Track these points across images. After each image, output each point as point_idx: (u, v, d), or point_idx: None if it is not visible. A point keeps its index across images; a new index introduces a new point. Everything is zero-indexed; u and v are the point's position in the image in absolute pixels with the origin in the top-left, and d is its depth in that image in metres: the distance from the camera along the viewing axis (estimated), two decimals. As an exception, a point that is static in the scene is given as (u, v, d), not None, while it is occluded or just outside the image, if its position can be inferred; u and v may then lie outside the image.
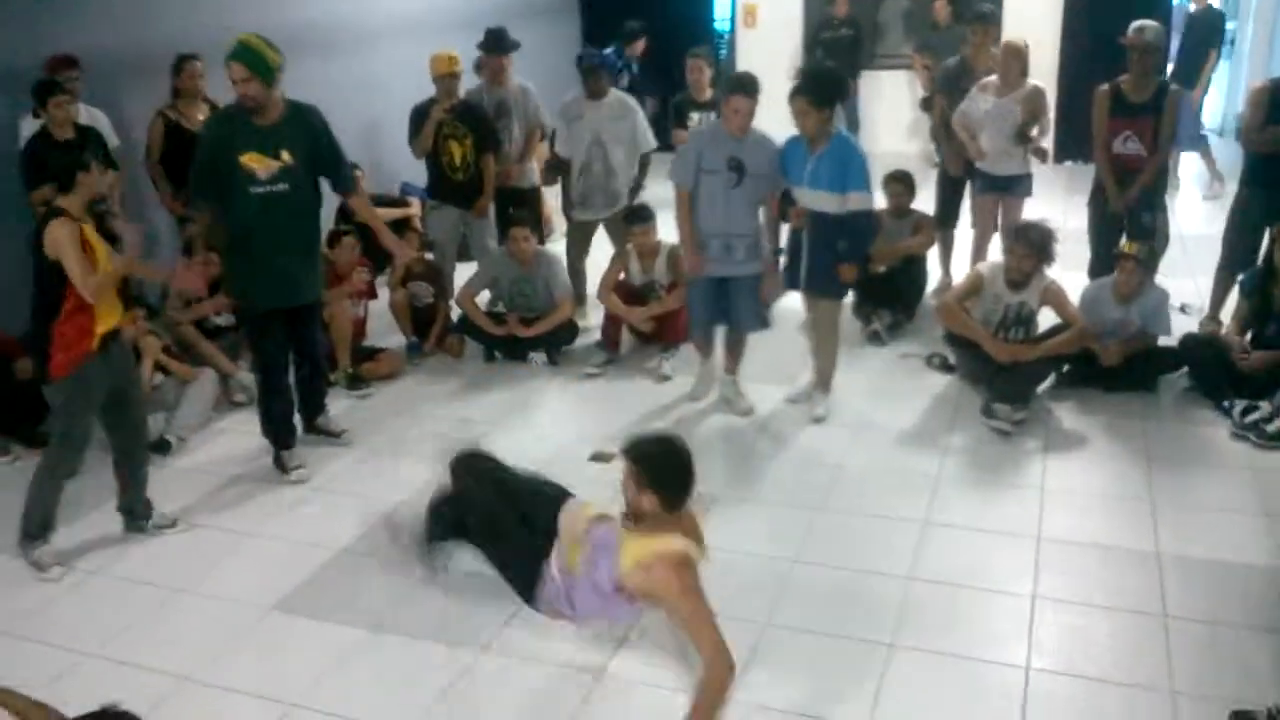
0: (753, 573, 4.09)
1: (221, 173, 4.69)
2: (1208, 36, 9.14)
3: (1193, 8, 9.44)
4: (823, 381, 5.48)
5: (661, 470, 3.12)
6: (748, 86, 5.12)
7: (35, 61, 5.97)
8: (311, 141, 4.84)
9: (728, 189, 5.17)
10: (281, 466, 5.07)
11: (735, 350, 5.62)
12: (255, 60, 4.60)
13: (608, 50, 8.77)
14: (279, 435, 5.10)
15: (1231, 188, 9.38)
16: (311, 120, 4.89)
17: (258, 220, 4.74)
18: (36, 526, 4.30)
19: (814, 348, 5.53)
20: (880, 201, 5.69)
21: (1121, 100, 5.98)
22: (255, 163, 4.67)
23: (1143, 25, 5.94)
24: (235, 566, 4.33)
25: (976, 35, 6.92)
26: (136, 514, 4.57)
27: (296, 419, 5.22)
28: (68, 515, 4.61)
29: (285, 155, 4.73)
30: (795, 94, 5.00)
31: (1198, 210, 9.07)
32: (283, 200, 4.76)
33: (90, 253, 4.02)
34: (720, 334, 5.68)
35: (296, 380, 5.35)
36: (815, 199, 5.10)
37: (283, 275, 4.84)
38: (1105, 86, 6.08)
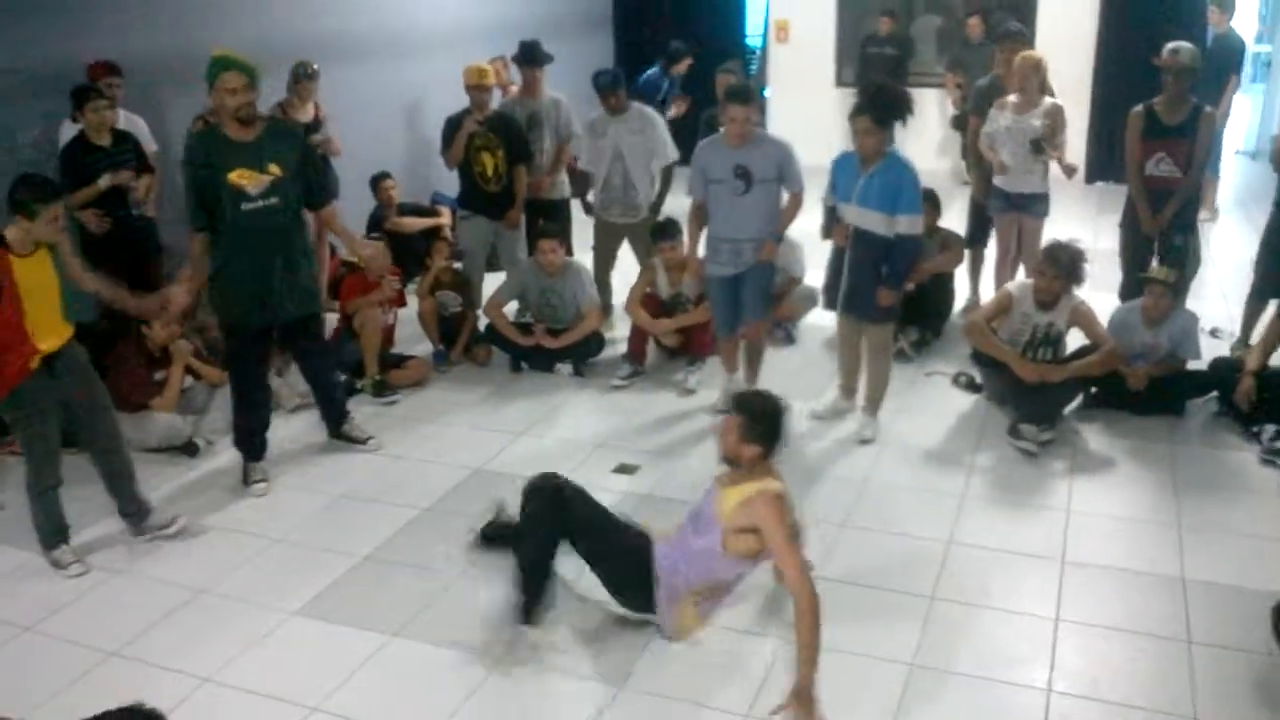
0: (772, 588, 4.08)
1: (211, 194, 4.63)
2: (1227, 61, 9.06)
3: (1214, 32, 9.33)
4: (872, 404, 5.44)
5: (767, 424, 3.59)
6: (740, 95, 5.16)
7: (78, 67, 6.07)
8: (296, 153, 4.82)
9: (736, 196, 5.20)
10: (245, 477, 5.06)
11: (753, 360, 5.66)
12: (250, 70, 4.62)
13: (651, 70, 8.87)
14: (249, 448, 5.09)
15: (1236, 212, 9.44)
16: (293, 132, 4.93)
17: (251, 237, 4.70)
18: (48, 535, 4.39)
19: (866, 370, 5.46)
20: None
21: (1155, 122, 5.95)
22: (245, 179, 4.62)
23: (1178, 47, 5.90)
24: (258, 570, 4.36)
25: (1005, 53, 6.92)
26: (131, 517, 4.56)
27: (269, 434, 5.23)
28: (92, 516, 4.68)
29: (273, 168, 4.68)
30: (858, 112, 4.93)
31: (1230, 233, 9.00)
32: (275, 214, 4.73)
33: (9, 282, 4.00)
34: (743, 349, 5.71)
35: (313, 395, 5.38)
36: (863, 218, 5.04)
37: (277, 291, 4.81)
38: (1139, 108, 6.05)
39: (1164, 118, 5.93)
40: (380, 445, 5.42)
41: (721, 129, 6.44)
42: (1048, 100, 6.40)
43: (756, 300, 5.52)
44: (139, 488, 4.60)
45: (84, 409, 4.37)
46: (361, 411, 5.71)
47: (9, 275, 4.03)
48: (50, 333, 4.18)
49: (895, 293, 5.13)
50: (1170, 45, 5.94)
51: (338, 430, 5.44)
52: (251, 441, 5.07)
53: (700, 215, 5.45)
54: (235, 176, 4.62)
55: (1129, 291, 6.15)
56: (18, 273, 4.05)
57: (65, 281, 4.24)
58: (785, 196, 5.38)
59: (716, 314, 5.66)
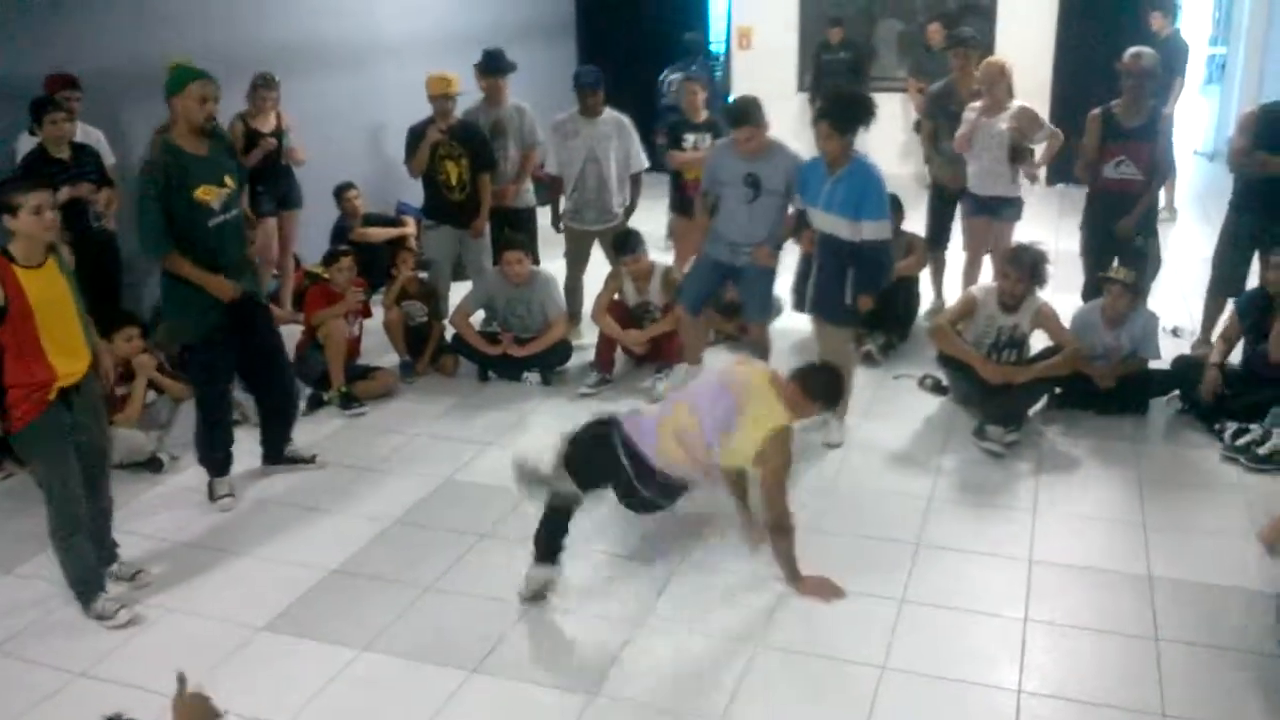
0: (742, 593, 4.10)
1: (177, 213, 4.47)
2: (1172, 65, 9.18)
3: (1159, 37, 9.44)
4: (838, 409, 5.47)
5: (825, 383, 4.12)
6: (735, 118, 5.25)
7: (35, 79, 6.00)
8: (234, 161, 4.79)
9: (743, 203, 5.28)
10: (211, 493, 4.97)
11: (758, 357, 5.67)
12: (213, 79, 4.56)
13: (700, 58, 9.10)
14: (214, 464, 4.98)
15: (1194, 212, 9.57)
16: (227, 139, 4.85)
17: (216, 251, 4.60)
18: (83, 587, 4.06)
19: None
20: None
21: (1113, 125, 6.01)
22: (209, 195, 4.51)
23: (1140, 51, 5.96)
24: (224, 586, 4.31)
25: (958, 59, 7.02)
26: (101, 560, 4.28)
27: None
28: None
29: (228, 180, 4.61)
30: (819, 118, 5.00)
31: (1189, 233, 9.12)
32: (234, 226, 4.69)
33: (20, 298, 3.71)
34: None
35: (264, 412, 5.22)
36: (828, 222, 5.07)
37: (241, 299, 4.74)
38: (1096, 111, 6.11)
39: (1123, 120, 6.00)
40: (350, 458, 5.36)
41: (695, 139, 6.56)
42: (1015, 103, 6.48)
43: (754, 302, 5.61)
44: (112, 531, 4.37)
45: (88, 446, 4.06)
46: (329, 424, 5.67)
47: (16, 288, 3.72)
48: (69, 356, 3.90)
49: (871, 298, 5.16)
50: (1132, 50, 6.01)
51: (280, 453, 5.26)
52: (217, 458, 4.99)
53: (709, 204, 5.53)
54: (201, 193, 4.49)
55: (1091, 292, 6.21)
56: (27, 286, 3.74)
57: (79, 299, 3.96)
58: (791, 209, 5.42)
59: (689, 285, 5.70)
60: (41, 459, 3.96)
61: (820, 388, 4.10)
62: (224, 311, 4.69)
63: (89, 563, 4.09)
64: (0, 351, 3.79)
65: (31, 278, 3.77)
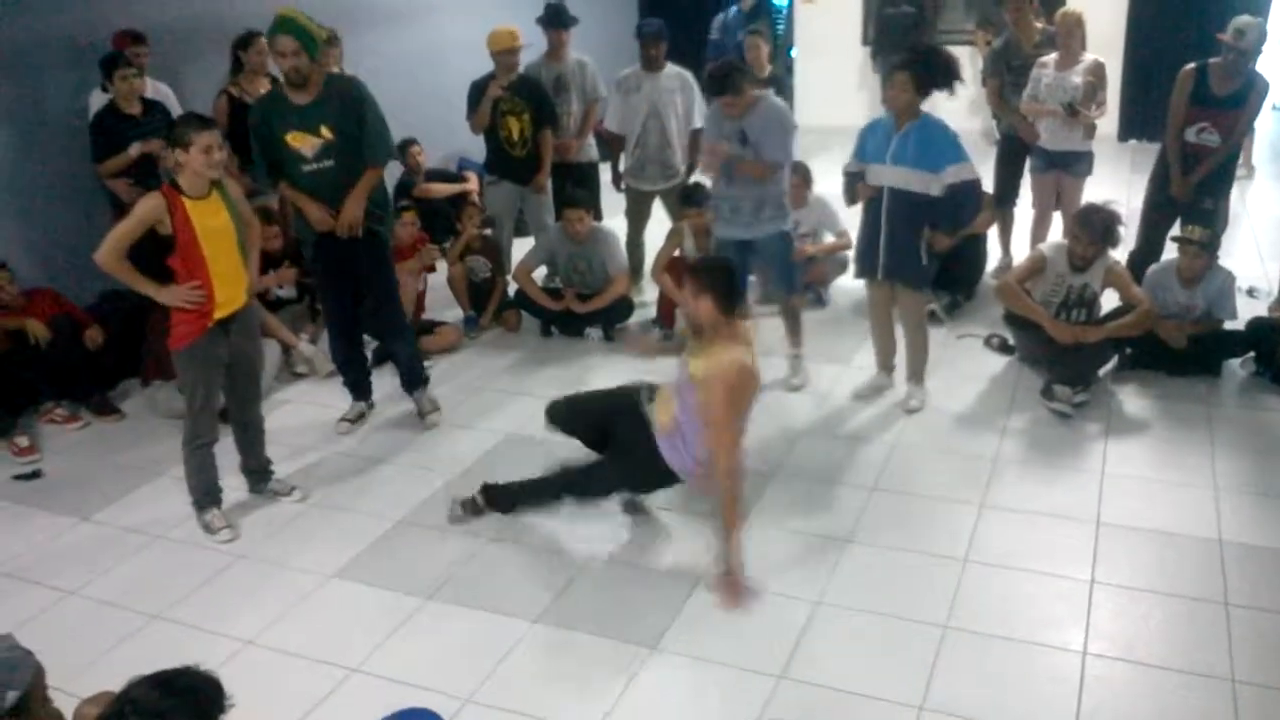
0: (805, 550, 4.10)
1: (273, 154, 4.76)
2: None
3: None
4: (915, 373, 5.35)
5: (715, 276, 3.75)
6: (721, 88, 5.06)
7: (104, 37, 6.08)
8: (353, 114, 4.77)
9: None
10: (348, 416, 5.37)
11: (790, 326, 5.61)
12: (303, 34, 4.59)
13: (733, 6, 8.97)
14: (358, 386, 5.40)
15: (1272, 169, 9.29)
16: (350, 92, 4.83)
17: (311, 191, 4.79)
18: (200, 496, 4.41)
19: (906, 342, 5.36)
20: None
21: (1204, 89, 5.72)
22: (299, 142, 4.70)
23: (1244, 28, 5.60)
24: (296, 534, 4.41)
25: (1009, 11, 6.83)
26: (254, 474, 4.67)
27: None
28: (134, 481, 4.74)
29: (325, 131, 4.70)
30: (899, 68, 4.82)
31: (1266, 190, 8.86)
32: (329, 176, 4.77)
33: (187, 228, 3.98)
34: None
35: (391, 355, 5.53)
36: (898, 176, 4.89)
37: (340, 249, 4.89)
38: (1190, 68, 5.80)
39: (1215, 87, 5.71)
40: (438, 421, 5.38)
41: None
42: (1088, 57, 6.30)
43: (778, 274, 5.51)
44: (265, 449, 4.68)
45: (242, 370, 4.40)
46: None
47: (184, 218, 3.98)
48: (230, 284, 4.17)
49: (948, 236, 5.04)
50: (1236, 24, 5.65)
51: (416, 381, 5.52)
52: (357, 380, 5.40)
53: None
54: (291, 139, 4.71)
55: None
56: (194, 215, 4.01)
57: (243, 230, 4.22)
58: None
59: None
60: (194, 374, 4.22)
61: (712, 283, 3.74)
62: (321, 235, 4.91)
63: (212, 476, 4.44)
64: (171, 277, 4.07)
65: (198, 208, 4.02)
